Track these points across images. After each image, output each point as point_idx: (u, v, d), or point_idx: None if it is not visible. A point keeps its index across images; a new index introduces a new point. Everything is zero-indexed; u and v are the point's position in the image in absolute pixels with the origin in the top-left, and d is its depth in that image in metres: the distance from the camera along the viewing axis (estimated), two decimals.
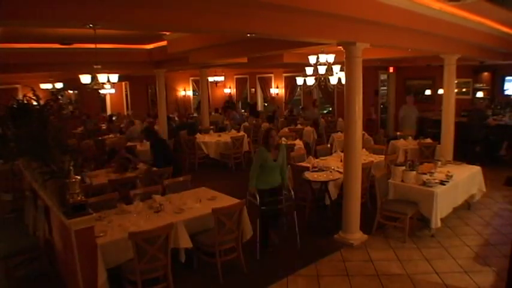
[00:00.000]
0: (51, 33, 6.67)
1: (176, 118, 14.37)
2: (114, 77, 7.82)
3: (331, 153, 8.02)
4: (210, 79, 15.63)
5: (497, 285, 4.14)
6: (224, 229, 4.28)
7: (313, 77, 7.92)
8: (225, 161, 9.77)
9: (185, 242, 4.20)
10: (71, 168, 3.63)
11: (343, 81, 6.17)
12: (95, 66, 7.07)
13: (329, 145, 9.39)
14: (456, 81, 7.81)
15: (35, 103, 4.12)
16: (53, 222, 4.36)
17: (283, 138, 9.30)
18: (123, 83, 16.11)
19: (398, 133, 9.69)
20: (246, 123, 12.87)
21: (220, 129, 11.88)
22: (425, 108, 12.52)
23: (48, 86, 12.48)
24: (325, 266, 4.67)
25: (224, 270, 4.36)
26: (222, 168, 9.79)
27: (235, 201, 4.65)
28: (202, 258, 4.49)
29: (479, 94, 11.85)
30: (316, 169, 6.11)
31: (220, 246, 4.33)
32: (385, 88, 14.61)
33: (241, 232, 4.53)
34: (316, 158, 7.49)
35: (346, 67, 5.18)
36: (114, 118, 14.41)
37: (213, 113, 14.89)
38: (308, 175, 5.82)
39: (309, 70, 7.89)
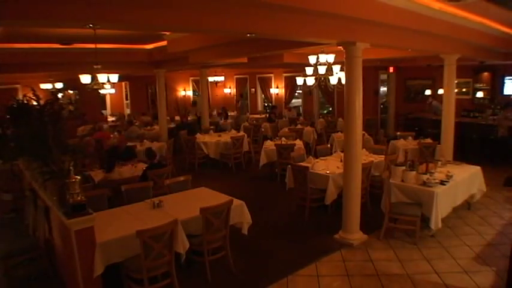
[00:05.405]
0: (51, 33, 6.67)
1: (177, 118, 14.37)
2: (114, 77, 7.82)
3: (331, 153, 8.02)
4: (210, 79, 15.62)
5: (497, 285, 4.14)
6: (212, 228, 4.29)
7: (313, 77, 7.91)
8: (225, 161, 9.77)
9: (182, 245, 4.12)
10: (71, 168, 3.63)
11: (343, 81, 6.16)
12: (95, 66, 7.06)
13: (329, 145, 9.40)
14: (456, 81, 7.81)
15: (35, 103, 4.11)
16: (53, 222, 4.36)
17: (283, 138, 9.31)
18: (123, 83, 16.10)
19: (398, 133, 9.69)
20: (246, 123, 12.87)
21: (221, 129, 11.88)
22: (425, 108, 12.54)
23: (48, 86, 12.48)
24: (325, 266, 4.66)
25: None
26: (222, 168, 9.78)
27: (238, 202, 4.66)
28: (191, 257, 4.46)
29: (479, 94, 11.85)
30: None
31: (209, 245, 4.34)
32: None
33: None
34: (316, 158, 7.49)
35: (346, 67, 5.18)
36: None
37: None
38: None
39: (309, 70, 7.88)
